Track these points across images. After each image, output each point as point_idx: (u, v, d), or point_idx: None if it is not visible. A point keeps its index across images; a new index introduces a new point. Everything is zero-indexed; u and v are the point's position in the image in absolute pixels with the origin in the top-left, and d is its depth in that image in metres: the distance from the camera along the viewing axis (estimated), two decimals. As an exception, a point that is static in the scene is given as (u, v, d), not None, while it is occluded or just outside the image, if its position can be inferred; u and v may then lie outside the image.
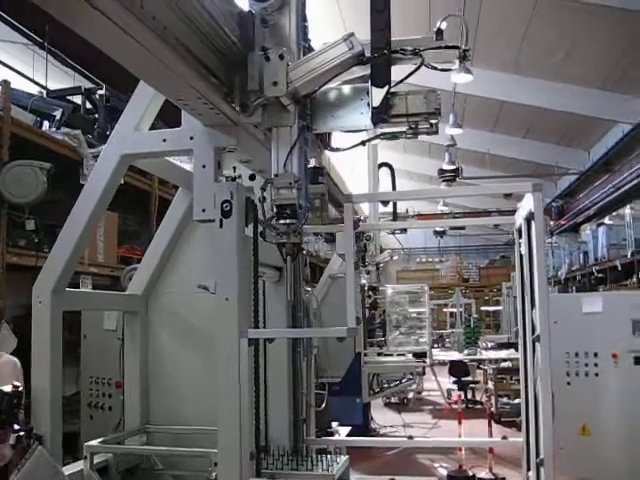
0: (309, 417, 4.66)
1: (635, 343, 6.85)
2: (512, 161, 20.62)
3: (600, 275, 18.43)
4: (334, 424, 6.16)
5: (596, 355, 6.96)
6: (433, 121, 3.86)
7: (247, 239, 3.71)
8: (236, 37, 3.36)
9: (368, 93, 3.74)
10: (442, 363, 16.46)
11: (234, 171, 4.23)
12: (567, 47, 13.30)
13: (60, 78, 10.91)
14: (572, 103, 15.61)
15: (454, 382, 15.19)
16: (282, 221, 3.57)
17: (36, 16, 7.93)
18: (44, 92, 9.10)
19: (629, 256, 16.45)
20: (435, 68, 3.81)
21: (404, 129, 3.91)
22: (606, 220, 19.35)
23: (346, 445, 5.20)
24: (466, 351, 16.44)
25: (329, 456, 4.11)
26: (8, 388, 3.50)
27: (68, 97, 8.85)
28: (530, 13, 12.34)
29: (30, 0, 2.39)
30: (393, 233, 5.40)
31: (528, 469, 4.49)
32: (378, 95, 3.63)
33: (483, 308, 25.98)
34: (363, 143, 4.24)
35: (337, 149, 4.42)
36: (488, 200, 23.57)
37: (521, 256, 4.73)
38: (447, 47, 3.75)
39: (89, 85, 9.69)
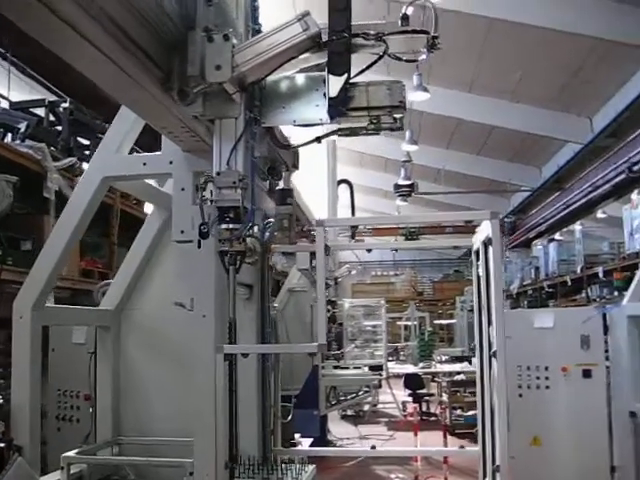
0: (276, 428, 4.83)
1: (583, 357, 7.13)
2: (466, 177, 21.05)
3: (551, 290, 18.90)
4: (296, 435, 6.32)
5: (547, 369, 7.22)
6: (397, 115, 3.58)
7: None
8: (175, 15, 3.03)
9: (324, 82, 3.42)
10: (397, 376, 16.72)
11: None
12: (520, 68, 13.73)
13: (19, 89, 10.85)
14: (525, 122, 16.07)
15: (409, 395, 15.45)
16: (224, 226, 3.27)
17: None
18: (5, 103, 9.10)
19: (579, 271, 16.94)
20: (399, 59, 3.51)
21: (365, 124, 3.62)
22: (557, 236, 19.89)
23: (309, 455, 5.37)
24: (421, 364, 16.74)
25: (297, 465, 4.29)
26: None
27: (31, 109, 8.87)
28: (485, 35, 12.74)
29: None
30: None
31: (484, 476, 4.72)
32: (336, 85, 3.33)
33: (437, 322, 26.35)
34: (318, 140, 3.90)
35: (288, 146, 4.09)
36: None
37: (478, 276, 4.95)
38: (415, 32, 3.43)
39: (46, 96, 9.69)
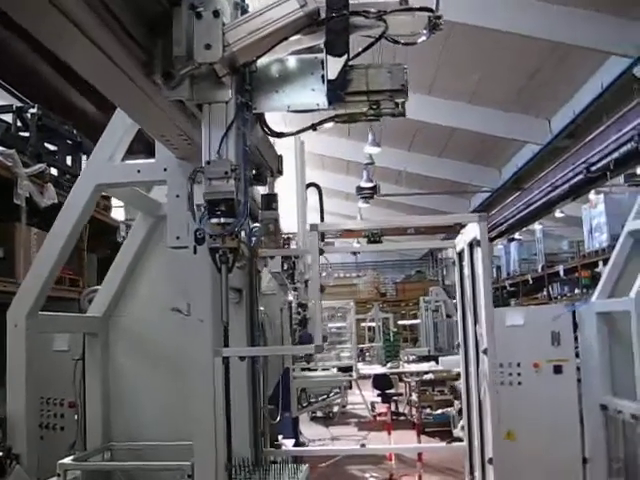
0: (266, 430, 4.90)
1: (554, 353, 7.30)
2: (428, 179, 21.26)
3: (512, 289, 19.24)
4: (280, 437, 6.39)
5: (519, 365, 7.37)
6: (399, 100, 3.32)
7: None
8: None
9: (322, 65, 3.19)
10: (364, 377, 16.88)
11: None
12: (479, 71, 13.94)
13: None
14: (484, 124, 16.28)
15: (378, 395, 15.58)
16: (215, 220, 3.02)
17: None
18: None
19: (540, 270, 17.30)
20: (397, 42, 3.30)
21: (364, 109, 3.36)
22: (517, 235, 20.24)
23: (293, 455, 5.47)
24: (389, 364, 16.89)
25: (291, 465, 4.37)
26: None
27: (-3, 115, 8.77)
28: (444, 38, 12.93)
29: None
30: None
31: (471, 472, 4.85)
32: (335, 66, 3.09)
33: (401, 322, 26.57)
34: (314, 127, 3.68)
35: (281, 134, 3.78)
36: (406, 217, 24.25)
37: (461, 276, 5.08)
38: (419, 9, 3.18)
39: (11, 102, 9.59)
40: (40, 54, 8.46)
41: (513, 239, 20.17)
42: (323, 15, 3.01)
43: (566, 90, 13.82)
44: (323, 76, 3.19)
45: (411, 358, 17.18)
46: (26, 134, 8.39)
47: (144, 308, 4.71)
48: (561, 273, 16.53)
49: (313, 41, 3.18)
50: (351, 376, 13.59)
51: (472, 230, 4.50)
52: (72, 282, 7.97)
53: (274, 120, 3.77)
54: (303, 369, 13.63)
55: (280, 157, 4.57)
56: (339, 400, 15.25)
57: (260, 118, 3.57)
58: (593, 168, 12.99)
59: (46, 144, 8.53)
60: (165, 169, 3.74)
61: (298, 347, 4.19)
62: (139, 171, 3.89)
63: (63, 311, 5.09)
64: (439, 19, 3.17)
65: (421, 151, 19.81)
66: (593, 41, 11.21)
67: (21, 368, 3.74)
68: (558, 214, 17.97)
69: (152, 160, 3.83)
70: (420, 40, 3.29)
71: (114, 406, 4.82)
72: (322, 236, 12.02)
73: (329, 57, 3.08)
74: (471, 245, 4.62)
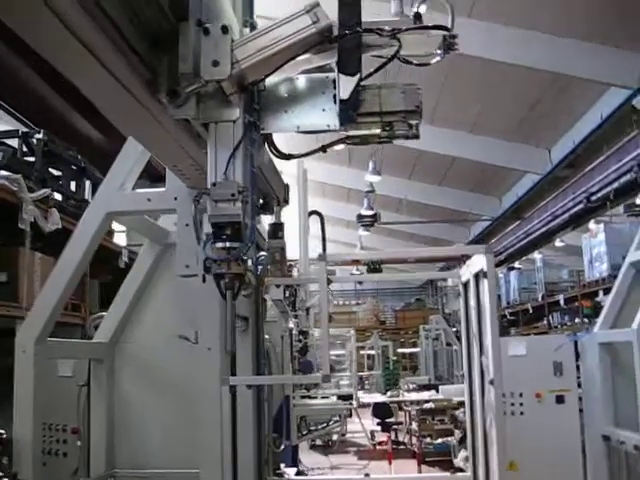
0: (269, 458, 4.88)
1: (556, 383, 7.30)
2: (428, 207, 21.34)
3: (513, 318, 19.22)
4: (282, 465, 6.37)
5: (521, 395, 7.36)
6: (413, 122, 3.21)
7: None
8: (165, 4, 2.68)
9: (333, 84, 3.13)
10: (364, 405, 16.79)
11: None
12: (480, 101, 14.07)
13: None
14: (484, 154, 16.40)
15: (378, 423, 15.49)
16: (220, 244, 2.92)
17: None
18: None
19: (540, 299, 17.29)
20: (409, 62, 3.23)
21: (377, 131, 3.24)
22: (517, 264, 20.26)
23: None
24: (389, 393, 16.80)
25: (296, 494, 4.36)
26: None
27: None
28: (446, 69, 13.05)
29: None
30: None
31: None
32: (347, 85, 3.01)
33: (400, 350, 26.47)
34: (324, 149, 3.55)
35: (290, 156, 3.60)
36: (406, 245, 24.32)
37: (466, 307, 5.09)
38: (434, 27, 3.11)
39: (14, 126, 9.64)
40: (46, 80, 8.58)
41: (513, 268, 20.19)
42: (335, 32, 2.95)
43: (566, 120, 13.95)
44: (335, 96, 3.12)
45: (411, 386, 17.09)
46: (31, 159, 8.46)
47: (151, 335, 4.73)
48: (561, 302, 16.53)
49: (324, 60, 3.12)
50: (351, 404, 13.49)
51: (478, 261, 4.52)
52: (74, 307, 7.98)
53: (278, 144, 3.67)
54: (303, 397, 13.60)
55: (287, 186, 4.62)
56: (339, 428, 15.16)
57: (268, 139, 3.49)
58: (593, 198, 13.08)
59: (51, 169, 8.58)
60: (175, 198, 3.76)
61: (306, 376, 4.18)
62: (149, 200, 3.92)
63: (66, 336, 5.11)
64: (454, 38, 3.12)
65: (421, 179, 19.92)
66: (593, 72, 11.33)
67: (29, 394, 3.74)
68: (558, 243, 18.03)
69: (162, 189, 3.86)
70: (434, 61, 3.24)
71: (119, 433, 4.82)
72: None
73: (341, 76, 3.00)
74: (477, 276, 4.64)
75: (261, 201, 4.29)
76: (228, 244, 2.92)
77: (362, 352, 24.85)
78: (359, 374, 23.66)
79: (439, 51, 3.16)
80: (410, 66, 3.34)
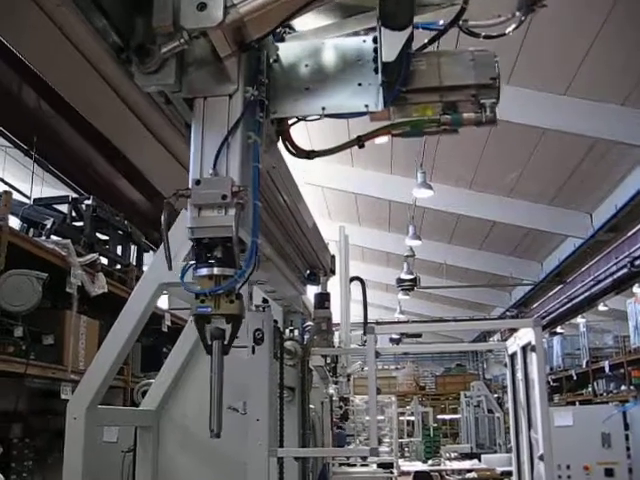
0: (314, 531, 4.82)
1: (605, 455, 7.15)
2: (468, 271, 21.26)
3: (556, 384, 18.83)
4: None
5: (568, 467, 7.23)
6: (487, 101, 2.33)
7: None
8: None
9: (374, 49, 2.31)
10: (404, 473, 16.44)
11: (263, 301, 4.04)
12: (520, 166, 14.14)
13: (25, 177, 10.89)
14: (525, 218, 16.40)
15: (419, 493, 15.16)
16: (205, 271, 2.16)
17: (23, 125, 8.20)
18: (25, 198, 9.28)
19: (584, 366, 16.94)
20: (475, 35, 2.43)
21: (436, 115, 2.37)
22: (559, 329, 19.96)
23: None
24: (430, 461, 16.48)
25: None
26: None
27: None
28: (485, 138, 13.17)
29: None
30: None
31: None
32: (394, 44, 2.17)
33: (440, 416, 26.00)
34: (360, 141, 2.59)
35: (311, 153, 2.69)
36: (446, 309, 24.14)
37: (513, 378, 5.03)
38: None
39: (58, 190, 9.88)
40: (94, 146, 8.87)
41: (556, 333, 19.88)
42: None
43: (607, 185, 13.95)
44: (376, 66, 2.30)
45: (452, 455, 16.75)
46: (80, 224, 8.66)
47: (197, 404, 4.73)
48: (606, 369, 16.16)
49: (360, 24, 2.44)
50: (392, 473, 13.23)
51: (526, 334, 4.49)
52: (118, 370, 8.03)
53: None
54: (341, 464, 13.38)
55: (333, 257, 4.65)
56: (379, 498, 14.85)
57: (282, 134, 2.63)
58: (637, 262, 12.95)
59: (98, 234, 8.78)
60: None
61: (355, 449, 4.14)
62: (199, 271, 3.93)
63: (109, 399, 5.13)
64: None
65: (461, 243, 19.91)
66: (632, 137, 11.36)
67: (78, 461, 3.76)
68: (602, 307, 17.76)
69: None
70: (510, 29, 2.43)
71: (163, 501, 4.80)
72: (364, 330, 12.06)
73: (385, 33, 2.18)
74: (524, 348, 4.60)
75: (307, 272, 4.34)
76: (216, 270, 2.16)
77: (401, 418, 24.46)
78: (399, 441, 23.26)
79: (518, 13, 2.35)
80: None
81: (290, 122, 2.61)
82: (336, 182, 16.42)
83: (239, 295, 2.26)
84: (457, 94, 2.35)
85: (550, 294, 19.10)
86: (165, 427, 4.86)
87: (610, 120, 11.36)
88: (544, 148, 13.11)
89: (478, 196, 16.21)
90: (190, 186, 2.10)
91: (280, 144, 2.74)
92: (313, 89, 2.35)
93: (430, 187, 13.89)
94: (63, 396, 6.62)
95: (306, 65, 2.38)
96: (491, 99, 2.34)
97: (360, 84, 2.32)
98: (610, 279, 14.41)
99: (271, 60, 2.40)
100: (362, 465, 13.60)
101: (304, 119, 2.53)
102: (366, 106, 2.31)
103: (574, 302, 16.89)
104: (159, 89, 2.19)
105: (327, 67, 2.38)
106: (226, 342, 2.41)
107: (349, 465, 13.22)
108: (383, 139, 2.70)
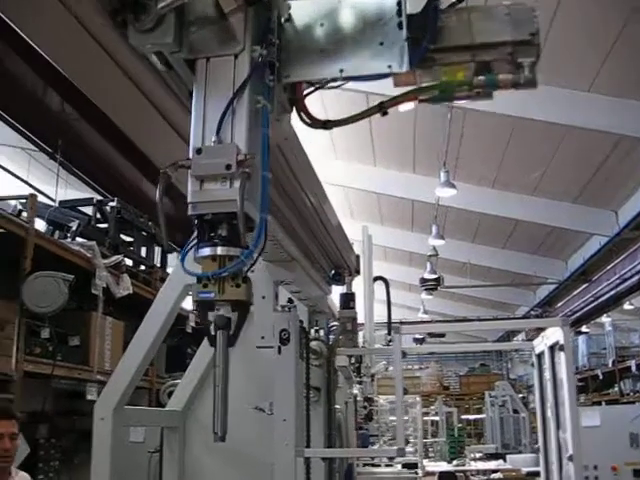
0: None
1: (633, 456, 7.08)
2: (491, 270, 21.14)
3: (581, 384, 18.66)
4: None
5: (596, 468, 7.16)
6: (525, 60, 2.12)
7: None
8: None
9: (398, 3, 2.10)
10: (429, 473, 16.37)
11: (289, 301, 3.96)
12: (543, 164, 14.02)
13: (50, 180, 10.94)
14: (549, 216, 16.24)
15: (443, 493, 15.09)
16: (207, 251, 1.97)
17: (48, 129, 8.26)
18: (50, 201, 9.36)
19: (610, 365, 16.77)
20: None
21: (468, 78, 2.14)
22: (584, 328, 19.78)
23: None
24: (455, 461, 16.41)
25: None
26: None
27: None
28: (508, 136, 13.09)
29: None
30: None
31: None
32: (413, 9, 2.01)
33: (464, 417, 25.87)
34: (383, 107, 2.34)
35: (327, 123, 2.45)
36: (470, 308, 24.01)
37: (540, 378, 4.99)
38: None
39: (83, 193, 9.95)
40: (118, 149, 8.93)
41: (581, 332, 19.70)
42: None
43: (632, 182, 13.77)
44: (400, 20, 2.09)
45: (477, 455, 16.65)
46: (104, 225, 8.73)
47: (223, 404, 4.74)
48: (633, 368, 15.99)
49: None
50: (417, 473, 13.18)
51: (554, 333, 4.45)
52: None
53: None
54: (365, 464, 13.35)
55: (357, 256, 4.64)
56: (402, 498, 14.80)
57: (296, 103, 2.37)
58: (664, 261, 12.80)
59: (122, 235, 8.83)
60: (252, 271, 3.74)
61: (381, 450, 4.12)
62: (225, 271, 3.93)
63: (134, 399, 5.17)
64: None
65: (485, 242, 19.78)
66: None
67: (106, 461, 3.79)
68: (628, 306, 17.57)
69: (237, 261, 3.88)
70: None
71: (190, 502, 4.82)
72: (389, 329, 12.01)
73: None
74: (551, 348, 4.56)
75: (332, 271, 4.34)
76: (220, 250, 1.99)
77: (425, 418, 24.35)
78: (424, 441, 23.16)
79: None
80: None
81: (305, 92, 2.37)
82: (359, 182, 16.40)
83: (246, 279, 2.08)
84: (491, 53, 2.13)
85: (575, 293, 18.91)
86: (191, 428, 4.88)
87: (635, 116, 11.22)
88: (567, 146, 12.99)
89: (501, 195, 16.10)
90: (190, 156, 1.92)
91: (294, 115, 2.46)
92: (329, 51, 2.15)
93: (453, 186, 13.81)
94: (89, 397, 6.68)
95: (321, 25, 2.18)
96: (530, 57, 2.14)
97: (382, 43, 2.10)
98: (636, 277, 14.26)
99: (282, 19, 2.20)
100: (387, 465, 13.59)
101: (321, 86, 2.32)
102: (389, 67, 2.10)
103: (600, 301, 16.71)
104: (156, 49, 1.98)
105: (345, 27, 2.18)
106: (232, 332, 2.17)
107: (373, 465, 13.21)
108: (408, 105, 2.48)
